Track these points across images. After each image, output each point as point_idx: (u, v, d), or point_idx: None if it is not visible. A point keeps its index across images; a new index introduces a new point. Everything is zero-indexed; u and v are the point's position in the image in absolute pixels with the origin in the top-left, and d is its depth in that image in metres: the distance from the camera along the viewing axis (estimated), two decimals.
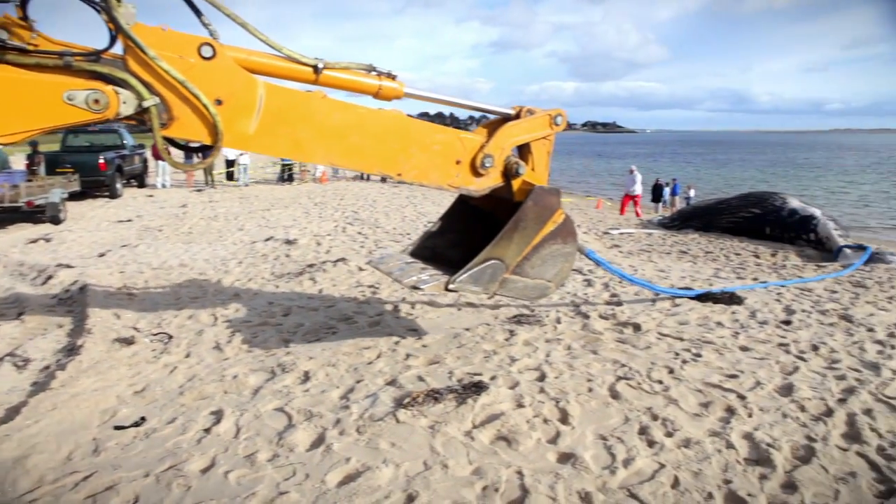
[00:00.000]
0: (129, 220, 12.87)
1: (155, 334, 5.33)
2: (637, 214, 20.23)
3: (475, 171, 4.20)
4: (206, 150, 3.72)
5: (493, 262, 4.11)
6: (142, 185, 20.68)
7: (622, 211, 20.94)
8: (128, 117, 3.45)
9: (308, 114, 3.76)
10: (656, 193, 23.82)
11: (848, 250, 9.83)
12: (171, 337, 5.28)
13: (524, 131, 4.34)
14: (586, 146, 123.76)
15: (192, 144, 3.83)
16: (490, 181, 4.30)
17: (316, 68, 3.74)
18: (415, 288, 4.11)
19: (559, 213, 4.34)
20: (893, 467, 3.14)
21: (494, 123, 4.37)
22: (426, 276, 4.25)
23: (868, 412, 3.77)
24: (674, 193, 24.09)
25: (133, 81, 3.36)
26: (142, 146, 21.57)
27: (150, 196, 17.78)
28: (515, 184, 4.31)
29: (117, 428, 3.60)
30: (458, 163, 4.15)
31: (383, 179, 24.45)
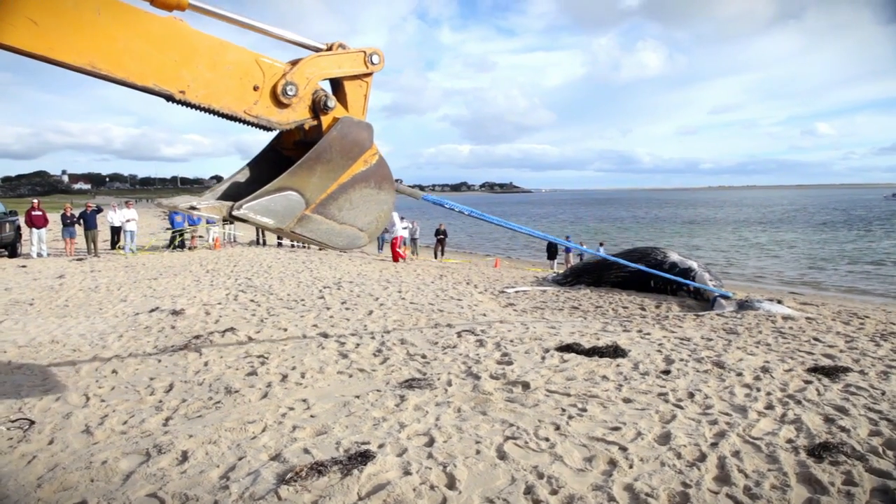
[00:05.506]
0: None
1: (13, 420, 4.86)
2: (401, 256, 19.28)
3: (277, 101, 3.81)
4: None
5: (288, 192, 3.76)
6: (13, 254, 19.20)
7: (395, 257, 19.61)
8: None
9: (62, 5, 3.19)
10: (551, 251, 24.77)
11: (722, 299, 10.58)
12: (32, 423, 4.83)
13: (334, 65, 4.04)
14: (483, 207, 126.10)
15: None
16: (296, 115, 3.93)
17: None
18: (192, 208, 3.74)
19: (372, 152, 4.04)
20: None
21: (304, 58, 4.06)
22: (208, 200, 3.85)
23: (736, 454, 3.99)
24: (567, 251, 25.07)
25: None
26: (14, 213, 20.14)
27: (23, 266, 16.49)
28: (325, 121, 3.99)
29: None
30: (256, 89, 3.75)
31: (279, 244, 23.92)
